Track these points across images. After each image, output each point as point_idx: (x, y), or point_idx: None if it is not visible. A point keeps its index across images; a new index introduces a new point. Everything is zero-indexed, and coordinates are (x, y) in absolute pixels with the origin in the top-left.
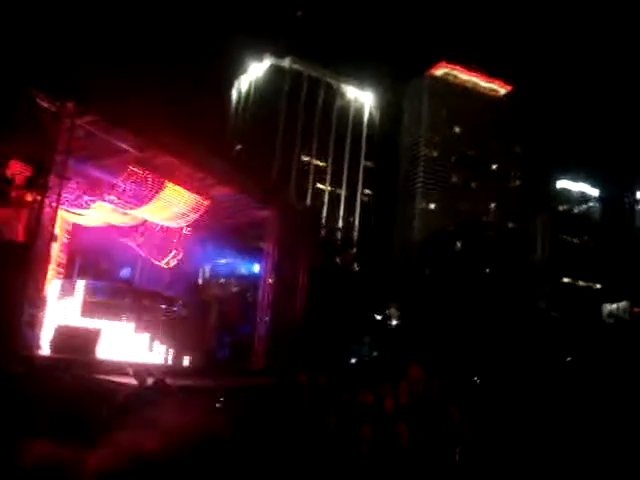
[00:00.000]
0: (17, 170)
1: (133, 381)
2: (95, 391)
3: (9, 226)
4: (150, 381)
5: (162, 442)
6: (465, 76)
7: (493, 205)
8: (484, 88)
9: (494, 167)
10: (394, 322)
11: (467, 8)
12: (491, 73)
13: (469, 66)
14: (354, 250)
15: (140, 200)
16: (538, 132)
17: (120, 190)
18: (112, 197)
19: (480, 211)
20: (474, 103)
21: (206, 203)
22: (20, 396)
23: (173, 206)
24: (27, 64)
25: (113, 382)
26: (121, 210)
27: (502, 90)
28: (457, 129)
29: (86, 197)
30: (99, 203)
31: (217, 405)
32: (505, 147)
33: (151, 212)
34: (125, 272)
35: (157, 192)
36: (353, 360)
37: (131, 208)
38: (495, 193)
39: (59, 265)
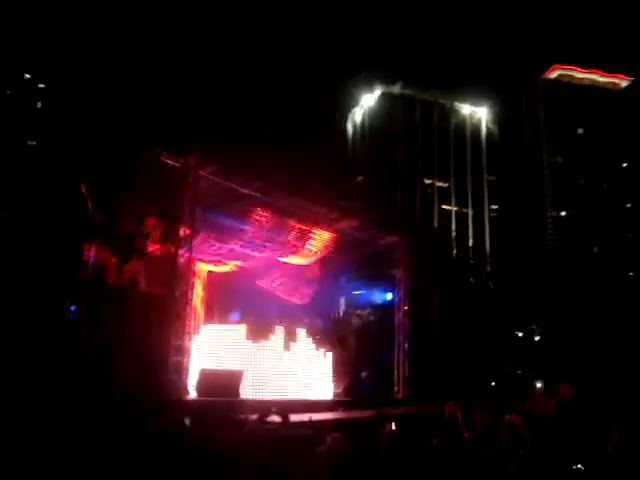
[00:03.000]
0: (152, 225)
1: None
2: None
3: (147, 279)
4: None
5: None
6: (581, 75)
7: (629, 205)
8: (604, 83)
9: (625, 165)
10: (536, 338)
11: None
12: (608, 67)
13: (582, 65)
14: (487, 267)
15: (288, 249)
16: None
17: (247, 234)
18: (241, 242)
19: (615, 212)
20: (595, 100)
21: (333, 237)
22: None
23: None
24: (151, 126)
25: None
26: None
27: (623, 82)
28: (580, 130)
29: (216, 244)
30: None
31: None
32: (634, 142)
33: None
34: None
35: (305, 242)
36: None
37: (280, 255)
38: (629, 192)
39: (199, 311)
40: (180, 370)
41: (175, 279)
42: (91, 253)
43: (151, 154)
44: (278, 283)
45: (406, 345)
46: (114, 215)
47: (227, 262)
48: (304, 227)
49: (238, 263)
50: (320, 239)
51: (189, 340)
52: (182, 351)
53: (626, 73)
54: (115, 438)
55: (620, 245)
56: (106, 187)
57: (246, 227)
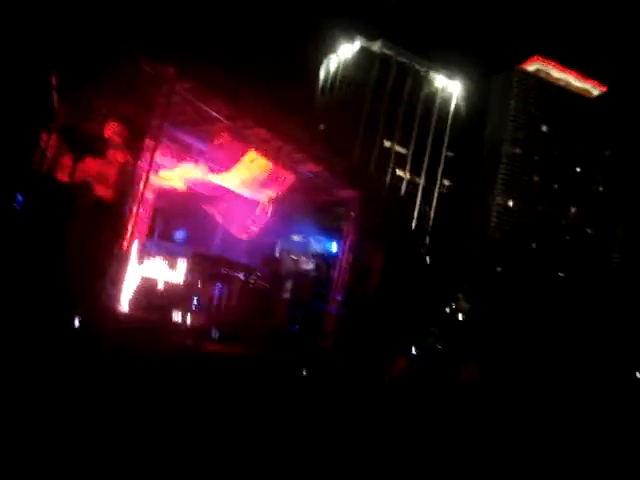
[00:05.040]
0: (114, 130)
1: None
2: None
3: (99, 184)
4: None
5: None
6: (558, 74)
7: (574, 209)
8: (577, 88)
9: (578, 170)
10: (460, 316)
11: (567, 4)
12: (586, 72)
13: (563, 63)
14: (428, 240)
15: (224, 165)
16: (629, 138)
17: (207, 156)
18: (199, 162)
19: (560, 213)
20: (564, 103)
21: (292, 178)
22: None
23: (254, 173)
24: (133, 27)
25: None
26: (206, 175)
27: (595, 91)
28: (544, 128)
29: (175, 160)
30: (186, 166)
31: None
32: (592, 151)
33: (233, 178)
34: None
35: (240, 157)
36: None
37: (216, 172)
38: (577, 196)
39: (142, 226)
40: (118, 281)
41: (129, 189)
42: (48, 147)
43: (129, 57)
44: (223, 209)
45: (339, 298)
46: (79, 112)
47: (181, 180)
48: (260, 156)
49: (191, 184)
50: (278, 175)
51: (131, 252)
52: (123, 262)
53: (602, 82)
54: (42, 339)
55: (556, 246)
56: (76, 82)
57: (207, 149)
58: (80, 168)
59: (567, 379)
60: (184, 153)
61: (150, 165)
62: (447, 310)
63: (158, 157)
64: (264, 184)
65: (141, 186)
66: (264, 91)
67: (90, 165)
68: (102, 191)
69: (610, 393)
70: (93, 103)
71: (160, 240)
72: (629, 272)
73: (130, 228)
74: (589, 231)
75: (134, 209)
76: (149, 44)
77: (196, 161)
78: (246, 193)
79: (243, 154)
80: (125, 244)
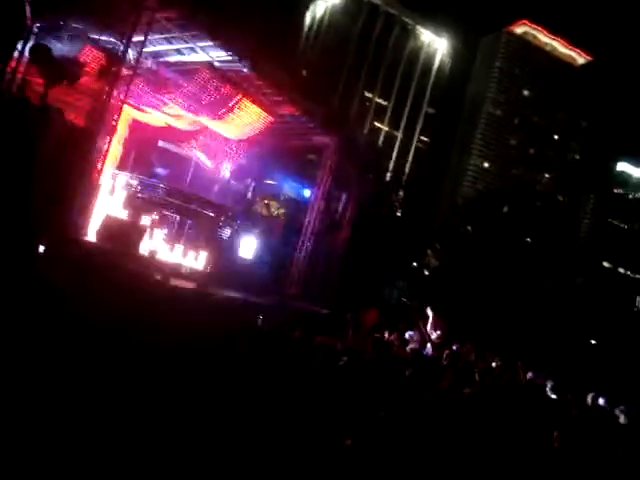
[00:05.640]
0: (91, 56)
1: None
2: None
3: (72, 112)
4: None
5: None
6: (545, 39)
7: (547, 175)
8: (562, 55)
9: (556, 137)
10: (426, 272)
11: None
12: (573, 40)
13: (552, 29)
14: (401, 194)
15: (214, 113)
16: (608, 110)
17: (185, 91)
18: (177, 98)
19: (533, 178)
20: (549, 68)
21: (270, 119)
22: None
23: (243, 123)
24: None
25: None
26: (184, 114)
27: (580, 60)
28: (526, 92)
29: (151, 94)
30: (170, 105)
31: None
32: (571, 119)
33: (219, 126)
34: (159, 169)
35: (232, 109)
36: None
37: (195, 112)
38: (552, 163)
39: (115, 158)
40: (86, 212)
41: (102, 119)
42: (18, 66)
43: None
44: (199, 145)
45: (309, 244)
46: (52, 32)
47: (157, 113)
48: (246, 100)
49: (168, 119)
50: (258, 118)
51: (101, 184)
52: (93, 193)
53: (588, 51)
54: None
55: (527, 211)
56: (53, 2)
57: (187, 84)
58: (53, 93)
59: (527, 340)
60: (162, 87)
61: (126, 96)
62: (415, 265)
63: (137, 90)
64: (250, 130)
65: (115, 117)
66: (247, 31)
67: (64, 91)
68: (75, 119)
69: (567, 356)
70: (68, 24)
71: (133, 174)
72: (594, 241)
73: (102, 159)
74: (560, 198)
75: (107, 140)
76: None
77: (174, 97)
78: (228, 135)
79: (227, 95)
80: (96, 175)
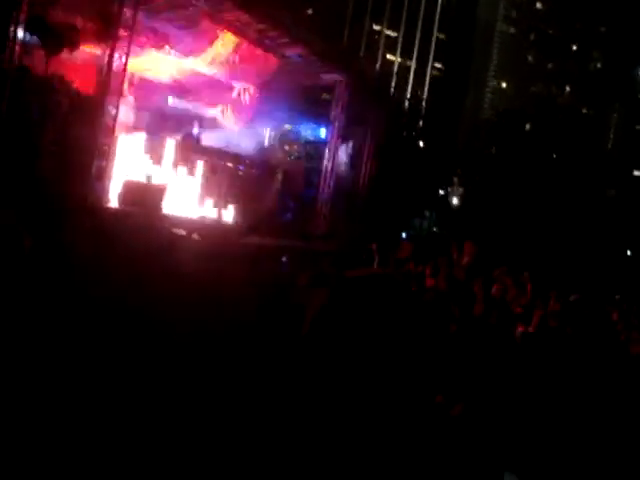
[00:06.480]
0: (87, 20)
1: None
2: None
3: (76, 78)
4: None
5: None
6: None
7: (569, 88)
8: None
9: (574, 48)
10: (455, 200)
11: None
12: None
13: None
14: (421, 123)
15: (192, 50)
16: (627, 12)
17: (185, 42)
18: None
19: (555, 94)
20: None
21: (275, 61)
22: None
23: (228, 50)
24: None
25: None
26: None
27: None
28: (539, 5)
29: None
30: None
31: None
32: (589, 27)
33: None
34: (193, 130)
35: (210, 43)
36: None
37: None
38: (572, 76)
39: (128, 121)
40: (103, 177)
41: (107, 83)
42: (16, 37)
43: None
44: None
45: (331, 183)
46: (44, 3)
47: (160, 69)
48: (251, 48)
49: (175, 74)
50: (264, 65)
51: (114, 146)
52: (107, 157)
53: None
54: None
55: (551, 127)
56: None
57: (189, 37)
58: (54, 62)
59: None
60: (162, 42)
61: (127, 56)
62: (441, 194)
63: (138, 49)
64: (246, 67)
65: (120, 79)
66: None
67: (65, 59)
68: (79, 85)
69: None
70: None
71: (146, 134)
72: (623, 151)
73: (112, 123)
74: (585, 111)
75: (114, 103)
76: None
77: (172, 47)
78: (229, 78)
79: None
80: (109, 140)
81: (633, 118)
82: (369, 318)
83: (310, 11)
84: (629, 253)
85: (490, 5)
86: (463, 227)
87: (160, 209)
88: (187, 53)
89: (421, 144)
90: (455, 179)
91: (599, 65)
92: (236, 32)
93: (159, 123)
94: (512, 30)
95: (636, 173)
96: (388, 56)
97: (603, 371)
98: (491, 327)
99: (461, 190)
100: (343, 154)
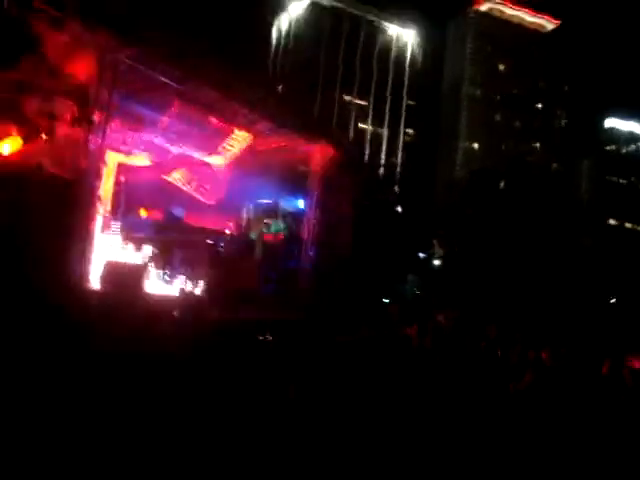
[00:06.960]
0: (62, 106)
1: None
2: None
3: (53, 164)
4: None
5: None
6: (511, 11)
7: (538, 145)
8: (531, 24)
9: (539, 106)
10: (436, 262)
11: None
12: (537, 7)
13: (515, 0)
14: (396, 188)
15: (206, 149)
16: (586, 69)
17: (163, 126)
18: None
19: (524, 151)
20: (520, 40)
21: (250, 138)
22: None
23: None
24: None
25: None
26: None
27: (550, 25)
28: (502, 67)
29: (130, 133)
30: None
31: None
32: (551, 85)
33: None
34: (175, 210)
35: (223, 139)
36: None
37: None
38: (540, 133)
39: (105, 203)
40: (85, 261)
41: (84, 166)
42: None
43: (65, 27)
44: (190, 180)
45: (311, 253)
46: (19, 91)
47: (140, 154)
48: (223, 125)
49: (152, 156)
50: (240, 139)
51: (94, 231)
52: (88, 241)
53: (554, 16)
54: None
55: (524, 183)
56: (11, 57)
57: (163, 118)
58: (31, 150)
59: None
60: (139, 124)
61: (103, 139)
62: (422, 257)
63: (115, 134)
64: (224, 148)
65: (99, 163)
66: (213, 54)
67: (41, 145)
68: (57, 170)
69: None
70: (34, 79)
71: (125, 217)
72: (596, 202)
73: (90, 206)
74: (555, 166)
75: (93, 186)
76: (87, 13)
77: (155, 133)
78: (208, 159)
79: (203, 125)
80: (89, 223)
81: (602, 169)
82: (361, 380)
83: (280, 88)
84: (613, 300)
85: (455, 69)
86: (445, 289)
87: (142, 288)
88: (210, 152)
89: (399, 209)
90: (435, 241)
91: (564, 122)
92: (210, 111)
93: (138, 204)
94: (478, 92)
95: (612, 222)
96: (360, 125)
97: None
98: None
99: (441, 252)
100: (321, 223)
